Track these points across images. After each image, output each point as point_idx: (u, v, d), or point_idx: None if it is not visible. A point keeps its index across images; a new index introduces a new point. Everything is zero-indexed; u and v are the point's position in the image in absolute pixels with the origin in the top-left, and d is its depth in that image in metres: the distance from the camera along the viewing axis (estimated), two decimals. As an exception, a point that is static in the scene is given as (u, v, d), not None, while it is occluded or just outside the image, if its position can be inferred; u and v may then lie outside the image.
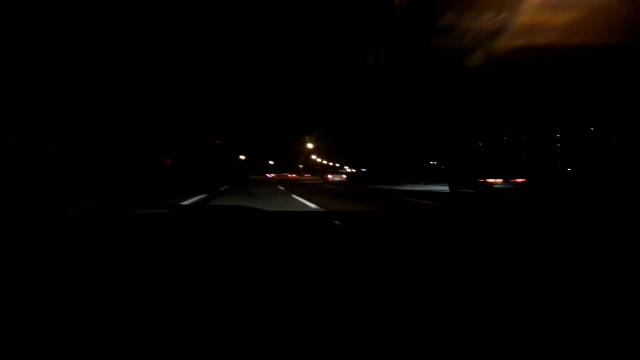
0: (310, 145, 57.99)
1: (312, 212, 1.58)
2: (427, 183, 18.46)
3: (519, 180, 8.65)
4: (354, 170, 27.92)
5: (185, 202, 5.86)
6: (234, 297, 0.52)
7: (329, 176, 23.41)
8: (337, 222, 1.12)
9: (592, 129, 19.22)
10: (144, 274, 0.61)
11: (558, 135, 21.40)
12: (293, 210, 3.78)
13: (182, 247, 0.77)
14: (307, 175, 78.76)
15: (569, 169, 18.15)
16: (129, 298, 0.52)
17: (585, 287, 0.58)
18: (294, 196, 8.19)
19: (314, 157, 73.77)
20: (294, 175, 77.05)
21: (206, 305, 0.50)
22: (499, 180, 8.69)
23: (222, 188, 11.80)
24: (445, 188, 12.11)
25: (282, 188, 12.44)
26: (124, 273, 0.62)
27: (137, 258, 0.70)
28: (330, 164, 65.47)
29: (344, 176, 23.58)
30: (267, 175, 62.52)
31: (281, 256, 0.72)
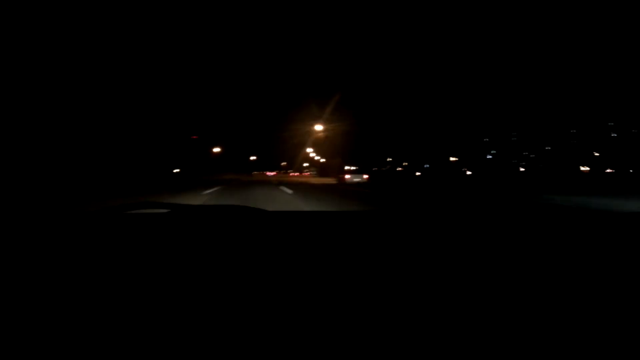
0: (319, 127, 42.21)
1: (312, 212, 1.45)
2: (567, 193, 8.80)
3: None
4: (354, 168, 23.27)
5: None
6: (233, 298, 0.53)
7: (347, 176, 19.61)
8: (338, 222, 1.13)
9: None
10: (142, 275, 0.62)
11: None
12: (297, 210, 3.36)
13: (181, 247, 0.78)
14: (306, 174, 74.46)
15: None
16: (128, 299, 0.52)
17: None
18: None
19: (309, 150, 67.86)
20: (295, 174, 72.18)
21: (205, 306, 0.50)
22: None
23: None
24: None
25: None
26: (122, 274, 0.62)
27: (135, 259, 0.71)
28: (323, 160, 59.55)
29: (365, 176, 19.87)
30: (268, 173, 57.52)
31: (281, 257, 0.72)
